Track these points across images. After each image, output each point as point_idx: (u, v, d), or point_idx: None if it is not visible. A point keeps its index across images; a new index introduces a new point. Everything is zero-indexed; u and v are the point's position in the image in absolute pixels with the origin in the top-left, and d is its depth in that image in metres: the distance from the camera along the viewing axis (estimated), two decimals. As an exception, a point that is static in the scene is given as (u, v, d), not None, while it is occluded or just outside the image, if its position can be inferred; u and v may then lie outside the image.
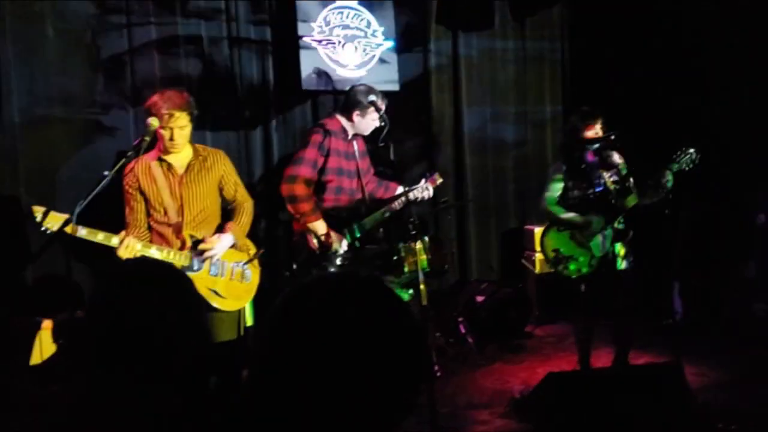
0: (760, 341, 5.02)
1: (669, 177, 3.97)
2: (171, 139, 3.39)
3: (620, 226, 4.17)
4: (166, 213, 3.47)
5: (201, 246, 3.46)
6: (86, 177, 4.85)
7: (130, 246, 3.24)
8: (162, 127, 3.35)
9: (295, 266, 4.99)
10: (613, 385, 3.43)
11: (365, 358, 1.06)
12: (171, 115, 3.33)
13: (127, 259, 3.17)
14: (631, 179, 4.22)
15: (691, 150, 3.98)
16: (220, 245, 3.50)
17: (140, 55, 5.20)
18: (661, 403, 3.32)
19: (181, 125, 3.39)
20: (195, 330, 1.51)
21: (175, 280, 1.54)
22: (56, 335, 4.26)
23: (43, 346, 4.22)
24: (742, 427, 3.59)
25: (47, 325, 4.22)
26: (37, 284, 4.65)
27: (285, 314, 1.12)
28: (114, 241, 3.25)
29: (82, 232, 3.13)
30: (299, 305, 1.12)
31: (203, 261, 3.46)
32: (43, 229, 3.03)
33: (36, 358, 4.17)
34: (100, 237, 3.22)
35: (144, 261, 1.78)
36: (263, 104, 5.81)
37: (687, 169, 3.97)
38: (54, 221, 3.04)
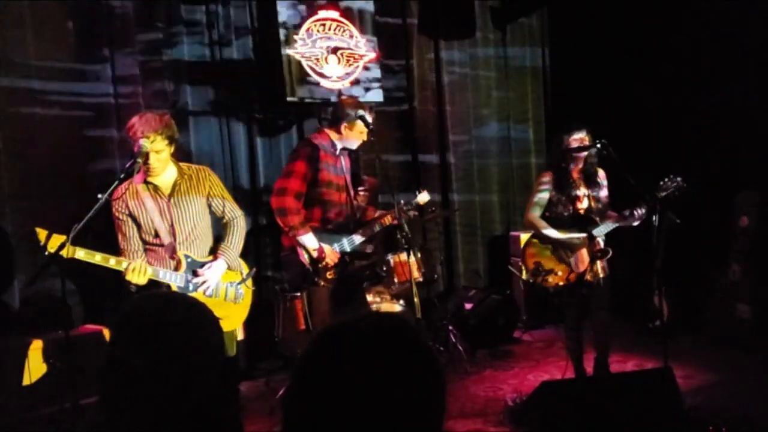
0: (744, 342, 5.12)
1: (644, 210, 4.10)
2: (146, 162, 3.35)
3: (600, 246, 4.28)
4: (157, 235, 3.45)
5: (195, 280, 3.46)
6: (72, 198, 4.84)
7: (139, 269, 3.24)
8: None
9: (284, 280, 5.02)
10: (606, 392, 3.47)
11: (390, 404, 1.10)
12: (147, 138, 3.30)
13: (162, 290, 3.16)
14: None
15: (678, 179, 4.08)
16: (213, 275, 3.51)
17: (123, 75, 5.17)
18: (654, 408, 3.37)
19: (156, 149, 3.35)
20: (218, 377, 1.50)
21: (208, 321, 1.54)
22: (46, 355, 4.22)
23: (32, 367, 4.18)
24: (731, 428, 3.65)
25: (37, 345, 4.18)
26: (27, 304, 4.60)
27: (315, 357, 1.16)
28: (111, 262, 3.24)
29: (80, 254, 3.12)
30: (328, 350, 1.16)
31: (196, 279, 3.47)
32: (45, 252, 3.02)
33: (26, 379, 4.14)
34: (97, 258, 3.20)
35: (178, 297, 1.76)
36: (247, 117, 5.80)
37: (672, 197, 4.08)
38: (57, 243, 3.04)
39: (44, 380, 4.16)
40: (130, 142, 3.34)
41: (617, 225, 4.27)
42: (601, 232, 4.28)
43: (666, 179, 4.13)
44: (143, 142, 3.27)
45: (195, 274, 3.47)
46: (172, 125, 3.42)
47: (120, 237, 3.50)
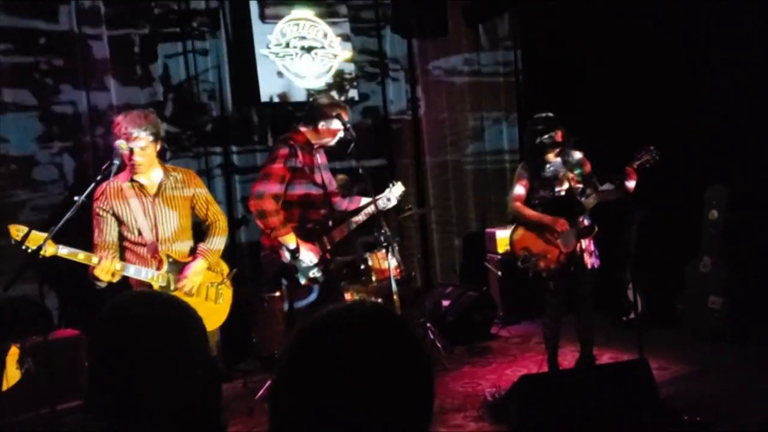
0: (716, 333, 5.23)
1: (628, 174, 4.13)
2: (130, 159, 3.38)
3: (586, 224, 4.31)
4: (140, 234, 3.46)
5: (179, 285, 3.46)
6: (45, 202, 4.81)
7: (107, 267, 3.24)
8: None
9: (263, 280, 5.01)
10: (584, 384, 3.53)
11: (377, 395, 1.09)
12: (130, 135, 3.34)
13: (141, 290, 3.16)
14: (594, 177, 4.38)
15: (651, 147, 4.14)
16: (194, 276, 3.52)
17: (95, 77, 5.13)
18: (630, 398, 3.44)
19: (141, 145, 3.38)
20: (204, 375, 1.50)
21: (193, 319, 1.53)
22: (21, 361, 4.17)
23: (8, 373, 4.12)
24: (706, 417, 3.73)
25: (14, 350, 4.13)
26: (5, 308, 4.53)
27: (299, 351, 1.15)
28: (94, 260, 3.23)
29: (64, 251, 3.13)
30: (312, 343, 1.15)
31: (179, 282, 3.47)
32: (24, 248, 3.00)
33: (3, 385, 4.09)
34: (81, 257, 3.21)
35: (159, 295, 1.73)
36: (222, 118, 5.79)
37: (648, 166, 4.13)
38: (36, 241, 3.02)
39: (21, 385, 4.11)
40: (115, 139, 3.36)
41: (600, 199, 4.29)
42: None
43: (640, 149, 4.17)
44: (119, 143, 3.30)
45: (177, 276, 3.47)
46: (156, 123, 3.46)
47: (96, 233, 3.49)
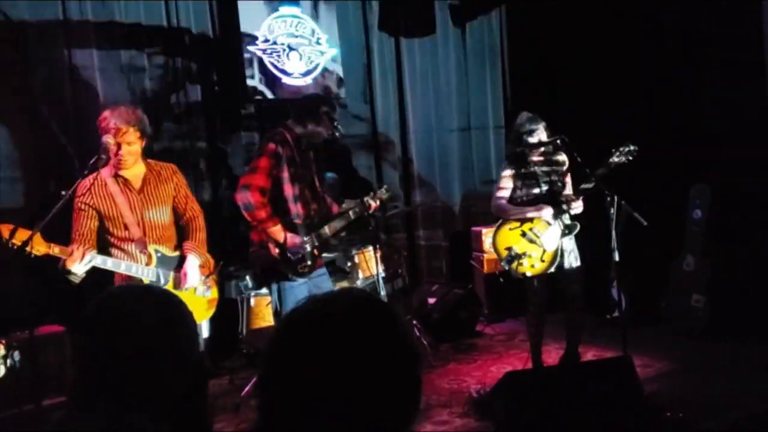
0: (698, 331, 5.29)
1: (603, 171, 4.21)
2: (117, 154, 3.37)
3: (567, 222, 4.34)
4: (127, 229, 3.45)
5: (183, 286, 3.48)
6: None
7: (75, 257, 3.18)
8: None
9: (251, 276, 5.01)
10: (568, 381, 3.56)
11: (362, 384, 1.08)
12: (119, 130, 3.33)
13: (131, 284, 3.14)
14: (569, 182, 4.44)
15: (631, 146, 4.20)
16: (192, 274, 3.54)
17: (81, 75, 5.11)
18: (614, 395, 3.47)
19: (128, 141, 3.38)
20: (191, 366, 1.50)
21: (185, 314, 1.53)
22: (7, 357, 4.14)
23: (-6, 368, 4.11)
24: (688, 414, 3.77)
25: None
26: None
27: (283, 343, 1.15)
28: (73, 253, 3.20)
29: (55, 249, 3.11)
30: (296, 333, 1.14)
31: (168, 277, 3.47)
32: (11, 246, 2.98)
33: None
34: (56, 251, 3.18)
35: (151, 289, 1.71)
36: (208, 114, 5.78)
37: (626, 161, 4.18)
38: (23, 237, 3.00)
39: (5, 381, 4.09)
40: (101, 134, 3.35)
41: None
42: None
43: (619, 145, 4.22)
44: (106, 138, 3.28)
45: (173, 273, 3.51)
46: (144, 120, 3.45)
47: (75, 226, 3.46)
